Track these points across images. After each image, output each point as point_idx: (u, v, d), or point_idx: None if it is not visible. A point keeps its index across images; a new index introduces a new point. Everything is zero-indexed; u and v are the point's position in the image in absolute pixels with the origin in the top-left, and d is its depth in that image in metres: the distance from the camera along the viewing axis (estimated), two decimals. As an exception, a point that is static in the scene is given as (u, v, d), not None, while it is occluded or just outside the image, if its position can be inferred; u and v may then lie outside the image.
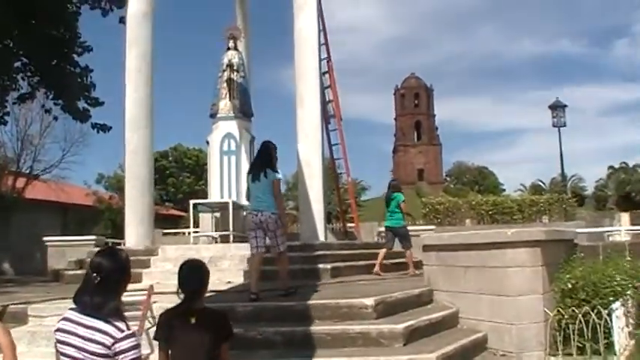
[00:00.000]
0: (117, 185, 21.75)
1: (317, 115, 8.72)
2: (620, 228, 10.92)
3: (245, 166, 9.45)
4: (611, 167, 43.89)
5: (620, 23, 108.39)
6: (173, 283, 2.60)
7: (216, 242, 9.32)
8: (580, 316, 4.27)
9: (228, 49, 10.22)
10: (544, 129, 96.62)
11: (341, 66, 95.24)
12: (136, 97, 8.19)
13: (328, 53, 11.16)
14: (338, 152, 11.36)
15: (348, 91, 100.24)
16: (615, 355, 4.22)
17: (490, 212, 19.49)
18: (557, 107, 19.78)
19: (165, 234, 13.96)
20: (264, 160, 5.34)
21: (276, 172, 5.28)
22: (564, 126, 19.41)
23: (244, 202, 8.79)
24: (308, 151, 8.52)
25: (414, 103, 71.53)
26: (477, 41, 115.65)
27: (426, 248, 5.74)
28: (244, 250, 6.86)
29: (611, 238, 9.30)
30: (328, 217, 11.02)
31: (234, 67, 10.08)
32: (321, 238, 8.19)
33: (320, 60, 9.06)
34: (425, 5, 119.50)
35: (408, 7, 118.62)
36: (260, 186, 5.25)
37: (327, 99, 11.37)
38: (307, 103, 8.65)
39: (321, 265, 7.06)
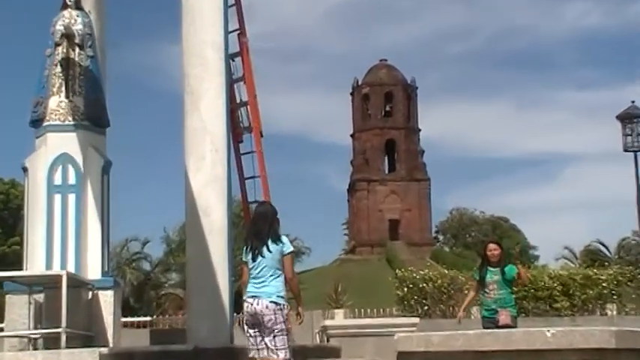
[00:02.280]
0: None
1: (221, 127, 8.97)
2: None
3: (94, 213, 9.36)
4: None
5: None
6: None
7: (34, 348, 9.00)
8: None
9: (66, 6, 9.73)
10: (607, 154, 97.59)
11: (265, 46, 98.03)
12: None
13: (241, 23, 11.47)
14: (256, 190, 11.64)
15: (275, 89, 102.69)
16: None
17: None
18: (632, 118, 18.32)
19: None
20: (265, 228, 6.33)
21: (284, 242, 6.34)
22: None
23: (95, 274, 8.69)
24: (205, 189, 8.77)
25: (384, 109, 74.03)
26: (491, 7, 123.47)
27: (405, 358, 5.63)
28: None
29: None
30: (238, 298, 11.08)
31: (76, 40, 9.53)
32: (227, 337, 8.33)
33: (226, 33, 9.32)
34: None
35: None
36: (265, 263, 6.25)
37: (239, 100, 11.61)
38: (204, 108, 8.89)
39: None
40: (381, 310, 20.60)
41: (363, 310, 20.55)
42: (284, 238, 6.42)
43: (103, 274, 9.42)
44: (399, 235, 70.47)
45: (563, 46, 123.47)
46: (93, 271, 9.25)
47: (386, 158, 74.68)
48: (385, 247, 66.72)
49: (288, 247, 6.36)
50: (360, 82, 75.41)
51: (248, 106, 11.54)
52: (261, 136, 11.44)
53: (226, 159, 8.97)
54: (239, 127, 11.53)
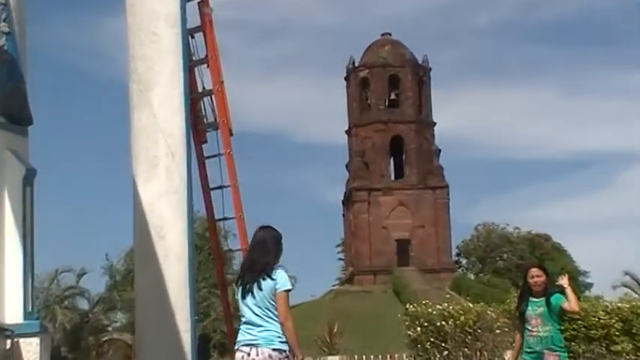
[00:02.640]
0: None
1: (178, 124, 8.99)
2: None
3: (13, 237, 9.31)
4: None
5: None
6: None
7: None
8: None
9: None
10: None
11: (233, 19, 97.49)
12: None
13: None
14: (224, 203, 11.68)
15: (247, 75, 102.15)
16: None
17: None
18: None
19: None
20: (260, 260, 6.63)
21: (278, 276, 6.59)
22: None
23: (15, 317, 8.59)
24: (159, 203, 8.84)
25: (389, 98, 74.51)
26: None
27: None
28: None
29: None
30: (205, 344, 10.96)
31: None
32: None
33: (183, 1, 9.31)
34: None
35: None
36: (256, 302, 6.52)
37: (201, 89, 11.59)
38: (157, 99, 8.93)
39: None
40: (388, 356, 20.55)
41: (364, 357, 20.50)
42: (279, 272, 6.63)
43: (26, 316, 9.34)
44: (409, 259, 70.64)
45: (626, 13, 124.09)
46: (12, 312, 9.17)
47: (391, 160, 74.96)
48: (392, 275, 66.77)
49: (284, 284, 6.59)
50: (356, 64, 75.65)
51: (213, 96, 11.51)
52: (231, 134, 11.44)
53: (186, 165, 8.95)
54: (202, 123, 11.54)
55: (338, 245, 79.80)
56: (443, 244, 72.46)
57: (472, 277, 74.56)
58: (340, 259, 79.77)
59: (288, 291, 6.58)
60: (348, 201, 73.91)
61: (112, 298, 51.48)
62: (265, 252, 6.69)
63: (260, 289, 6.53)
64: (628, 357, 19.42)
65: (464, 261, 79.92)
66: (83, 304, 50.15)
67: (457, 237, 76.56)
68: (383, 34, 76.62)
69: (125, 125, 9.14)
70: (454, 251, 76.22)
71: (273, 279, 6.56)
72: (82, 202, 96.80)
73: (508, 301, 21.36)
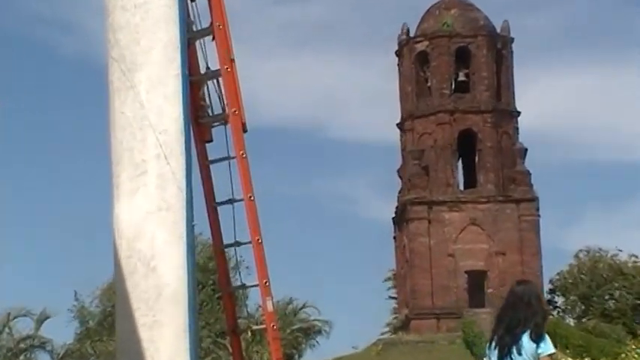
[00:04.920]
0: None
1: (174, 117, 9.05)
2: None
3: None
4: None
5: None
6: None
7: None
8: None
9: None
10: None
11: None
12: None
13: None
14: (236, 222, 11.75)
15: (264, 50, 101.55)
16: None
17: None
18: None
19: None
20: (519, 318, 7.82)
21: (544, 341, 7.79)
22: None
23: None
24: (148, 223, 8.83)
25: (456, 78, 74.72)
26: None
27: None
28: None
29: None
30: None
31: None
32: None
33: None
34: None
35: None
36: None
37: (204, 69, 11.65)
38: (145, 83, 8.98)
39: None
40: None
41: None
42: (546, 337, 7.81)
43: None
44: (485, 297, 70.59)
45: None
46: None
47: (459, 164, 74.88)
48: (461, 320, 66.65)
49: (547, 347, 7.79)
50: (412, 33, 75.67)
51: (220, 80, 11.56)
52: (244, 130, 11.47)
53: (184, 171, 8.98)
54: (205, 116, 11.56)
55: (387, 279, 79.95)
56: (531, 278, 71.67)
57: (572, 322, 74.25)
58: (391, 297, 79.95)
59: (551, 355, 7.80)
60: (400, 219, 74.02)
61: (83, 351, 51.80)
62: (524, 310, 7.86)
63: (520, 353, 7.74)
64: None
65: (560, 300, 79.75)
66: (44, 360, 50.51)
67: (550, 268, 76.48)
68: (448, -7, 76.59)
69: (103, 118, 9.21)
70: (546, 287, 76.01)
71: (535, 341, 7.76)
72: (42, 222, 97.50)
73: (623, 355, 21.35)
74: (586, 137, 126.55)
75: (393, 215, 75.56)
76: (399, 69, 76.17)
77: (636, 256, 77.27)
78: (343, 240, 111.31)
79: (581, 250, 79.78)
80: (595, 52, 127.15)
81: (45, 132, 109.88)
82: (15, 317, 48.51)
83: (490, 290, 70.21)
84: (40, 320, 49.73)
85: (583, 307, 77.79)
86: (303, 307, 69.53)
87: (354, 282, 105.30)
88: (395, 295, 77.66)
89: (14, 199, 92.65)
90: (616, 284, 76.41)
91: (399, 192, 74.56)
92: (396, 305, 76.65)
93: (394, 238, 75.68)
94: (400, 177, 74.74)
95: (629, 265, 77.21)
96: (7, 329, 48.33)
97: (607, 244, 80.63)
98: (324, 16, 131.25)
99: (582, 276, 78.07)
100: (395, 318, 75.89)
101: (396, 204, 75.07)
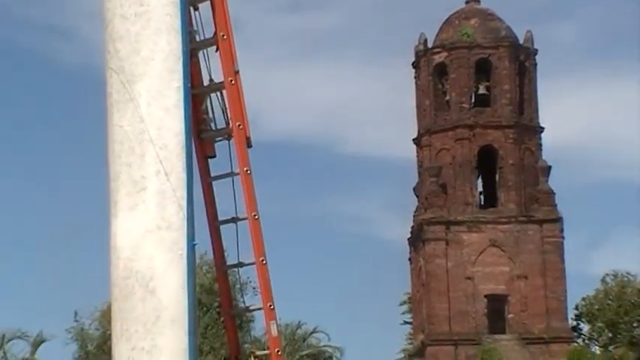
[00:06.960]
0: None
1: (175, 131, 9.09)
2: None
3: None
4: None
5: None
6: None
7: None
8: None
9: None
10: None
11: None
12: None
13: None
14: (240, 242, 11.73)
15: (270, 61, 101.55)
16: None
17: None
18: None
19: None
20: None
21: None
22: None
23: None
24: (146, 243, 8.86)
25: (476, 91, 74.74)
26: None
27: None
28: None
29: None
30: None
31: None
32: None
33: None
34: None
35: None
36: None
37: (207, 81, 11.67)
38: (144, 96, 9.03)
39: None
40: None
41: None
42: None
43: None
44: (505, 323, 70.41)
45: None
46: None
47: (479, 181, 74.68)
48: (480, 347, 66.46)
49: None
50: (430, 44, 75.60)
51: (224, 92, 11.59)
52: (249, 145, 11.48)
53: (185, 188, 9.00)
54: (208, 130, 11.58)
55: (402, 303, 79.71)
56: (555, 303, 71.97)
57: (598, 350, 73.90)
58: (406, 322, 79.74)
59: None
60: (416, 239, 73.79)
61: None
62: None
63: None
64: None
65: (586, 327, 79.35)
66: (41, 385, 50.49)
67: (575, 292, 76.11)
68: (467, 2, 76.68)
69: (101, 132, 9.21)
70: (571, 313, 75.70)
71: None
72: (39, 241, 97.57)
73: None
74: (613, 155, 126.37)
75: (409, 236, 75.31)
76: (415, 81, 76.02)
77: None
78: (355, 261, 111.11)
79: (607, 274, 79.51)
80: (624, 65, 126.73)
81: (41, 144, 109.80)
82: (10, 340, 48.53)
83: (511, 316, 70.02)
84: (37, 343, 49.75)
85: (610, 335, 77.48)
86: (313, 332, 69.62)
87: (366, 306, 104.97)
88: (410, 320, 77.47)
89: (9, 214, 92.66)
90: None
91: (415, 211, 74.34)
92: (412, 330, 76.45)
93: (409, 259, 75.42)
94: (416, 195, 74.52)
95: (659, 290, 76.96)
96: (1, 352, 48.36)
97: (636, 267, 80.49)
98: (336, 24, 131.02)
99: (609, 301, 77.76)
100: (410, 344, 75.73)
101: (411, 224, 74.83)
